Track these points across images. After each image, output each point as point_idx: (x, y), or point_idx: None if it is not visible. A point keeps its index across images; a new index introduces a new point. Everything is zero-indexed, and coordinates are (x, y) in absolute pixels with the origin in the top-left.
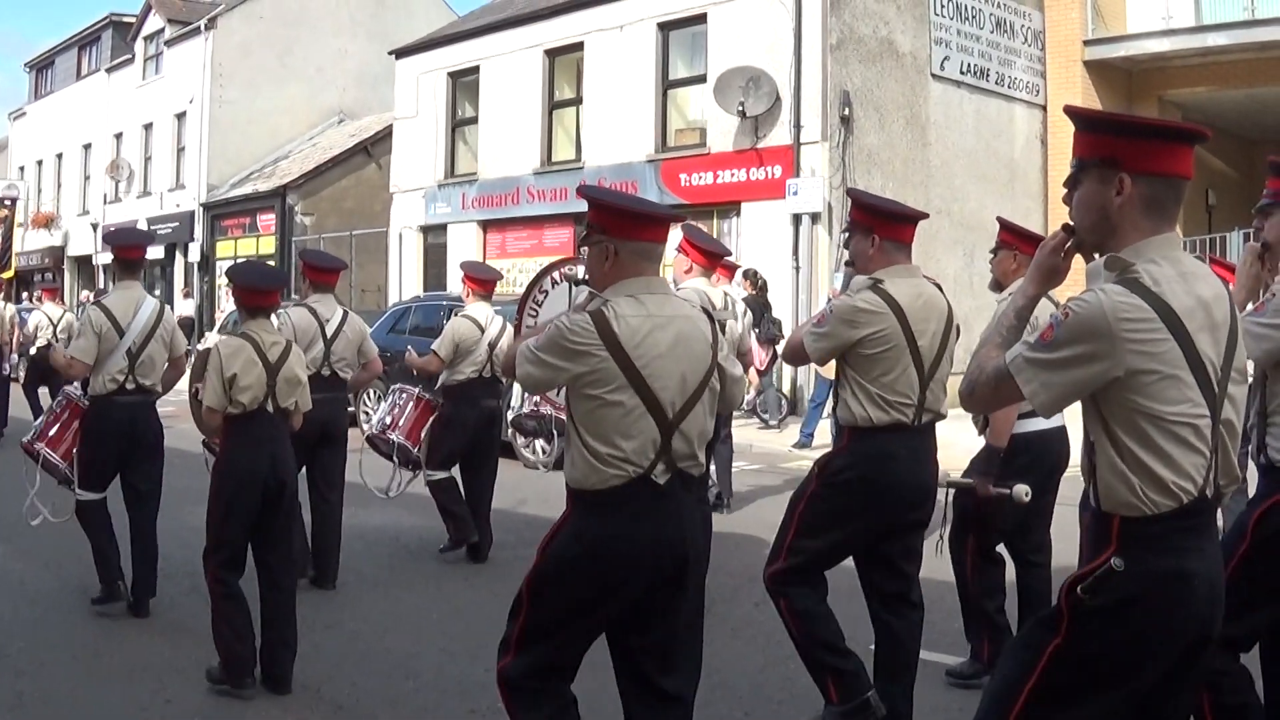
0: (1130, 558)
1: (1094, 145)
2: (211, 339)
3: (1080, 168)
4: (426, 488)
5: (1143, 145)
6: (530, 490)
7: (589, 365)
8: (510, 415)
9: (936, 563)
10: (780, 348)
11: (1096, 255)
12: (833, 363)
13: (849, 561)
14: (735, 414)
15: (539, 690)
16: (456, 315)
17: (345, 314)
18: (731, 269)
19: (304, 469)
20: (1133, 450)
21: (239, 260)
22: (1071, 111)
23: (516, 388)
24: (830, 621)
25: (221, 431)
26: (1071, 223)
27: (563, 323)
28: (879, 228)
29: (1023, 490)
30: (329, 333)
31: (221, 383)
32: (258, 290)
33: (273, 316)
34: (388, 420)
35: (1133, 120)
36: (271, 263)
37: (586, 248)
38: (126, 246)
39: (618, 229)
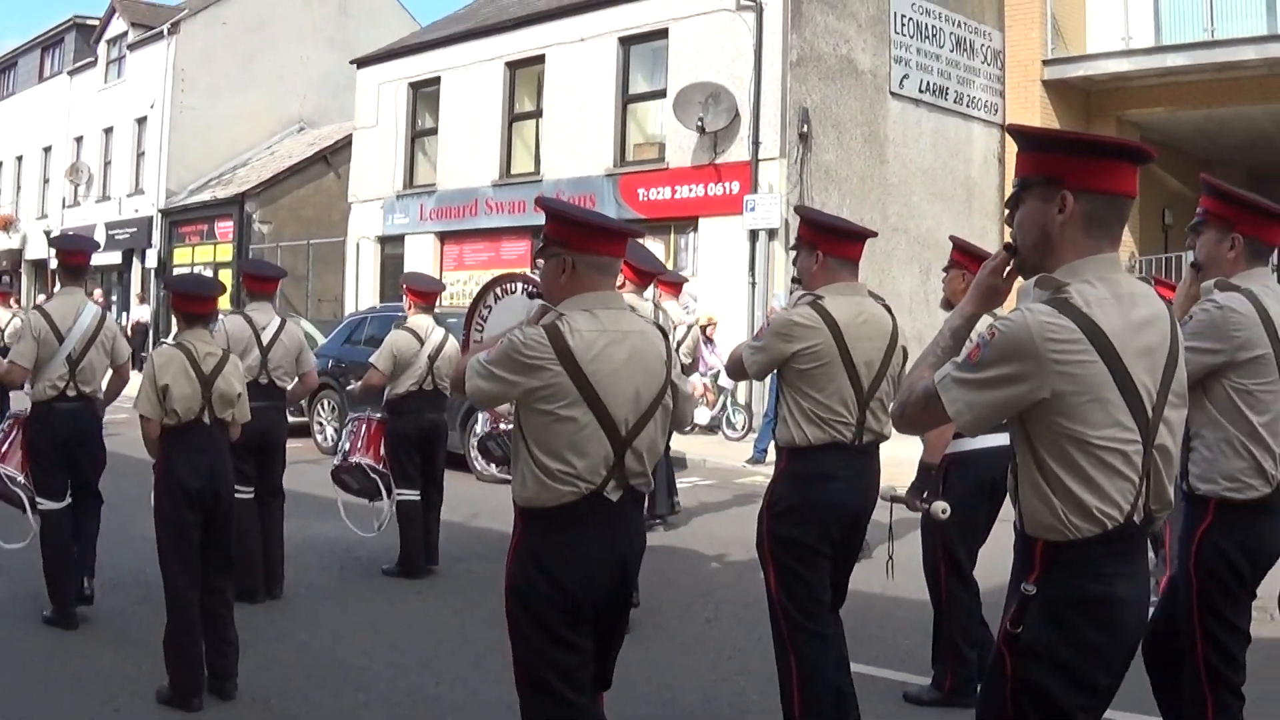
0: (1052, 582)
1: (1036, 163)
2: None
3: (1023, 186)
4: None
5: (1085, 163)
6: (483, 504)
7: (542, 380)
8: (473, 439)
9: (892, 581)
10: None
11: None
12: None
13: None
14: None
15: None
16: (395, 327)
17: (283, 322)
18: (677, 285)
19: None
20: (1057, 474)
21: (194, 268)
22: (1014, 130)
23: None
24: (830, 695)
25: (160, 442)
26: (1013, 242)
27: (516, 336)
28: (823, 244)
29: (940, 507)
30: (265, 341)
31: (155, 392)
32: (194, 298)
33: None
34: (346, 447)
35: (1075, 137)
36: (226, 271)
37: (541, 260)
38: (70, 252)
39: (575, 242)
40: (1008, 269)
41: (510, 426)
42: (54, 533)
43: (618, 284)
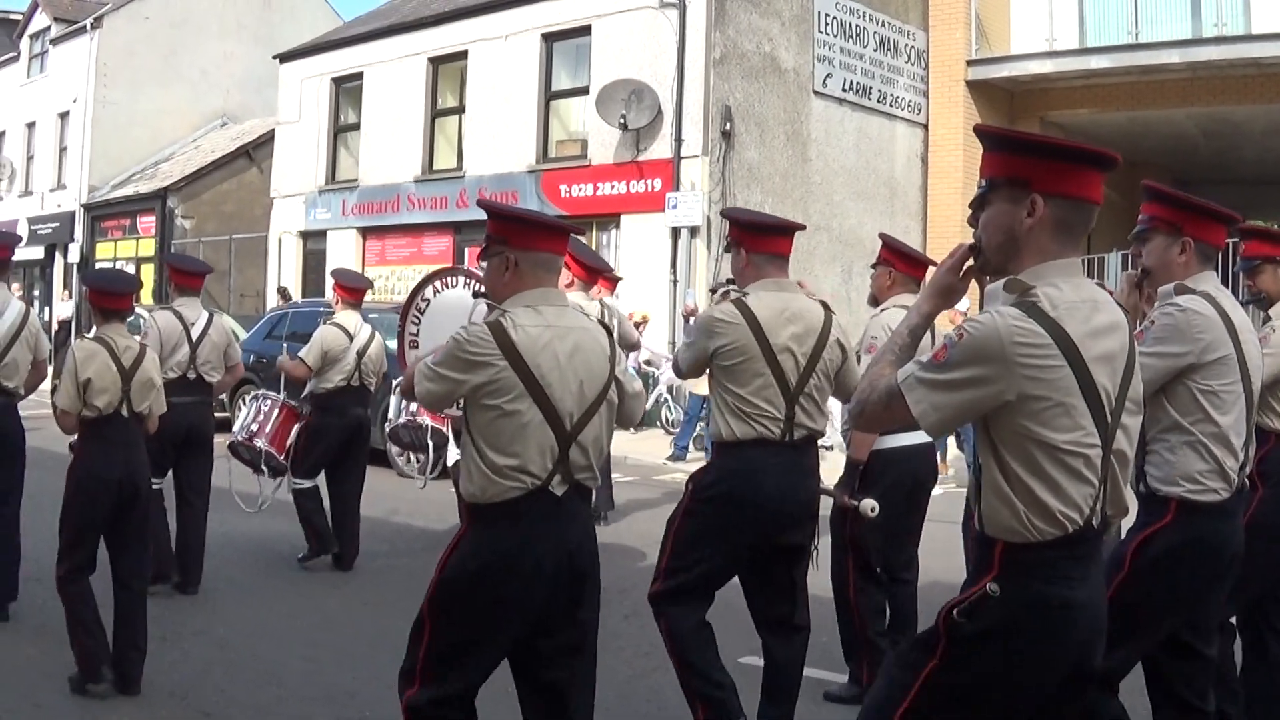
0: (1010, 583)
1: (1005, 165)
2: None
3: (990, 187)
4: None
5: (1056, 167)
6: (403, 500)
7: (487, 375)
8: (387, 427)
9: (814, 578)
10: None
11: (990, 278)
12: (705, 378)
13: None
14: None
15: (445, 718)
16: (325, 323)
17: (211, 317)
18: (613, 282)
19: (169, 473)
20: (1020, 476)
21: (116, 263)
22: (982, 131)
23: (393, 400)
24: (704, 646)
25: (78, 435)
26: (976, 242)
27: (460, 335)
28: (747, 242)
29: (869, 505)
30: (194, 336)
31: (75, 386)
32: (110, 293)
33: (141, 318)
34: (253, 427)
35: (1047, 141)
36: (149, 265)
37: (486, 260)
38: None
39: (517, 240)
40: (965, 267)
41: (428, 422)
42: None
43: (565, 282)
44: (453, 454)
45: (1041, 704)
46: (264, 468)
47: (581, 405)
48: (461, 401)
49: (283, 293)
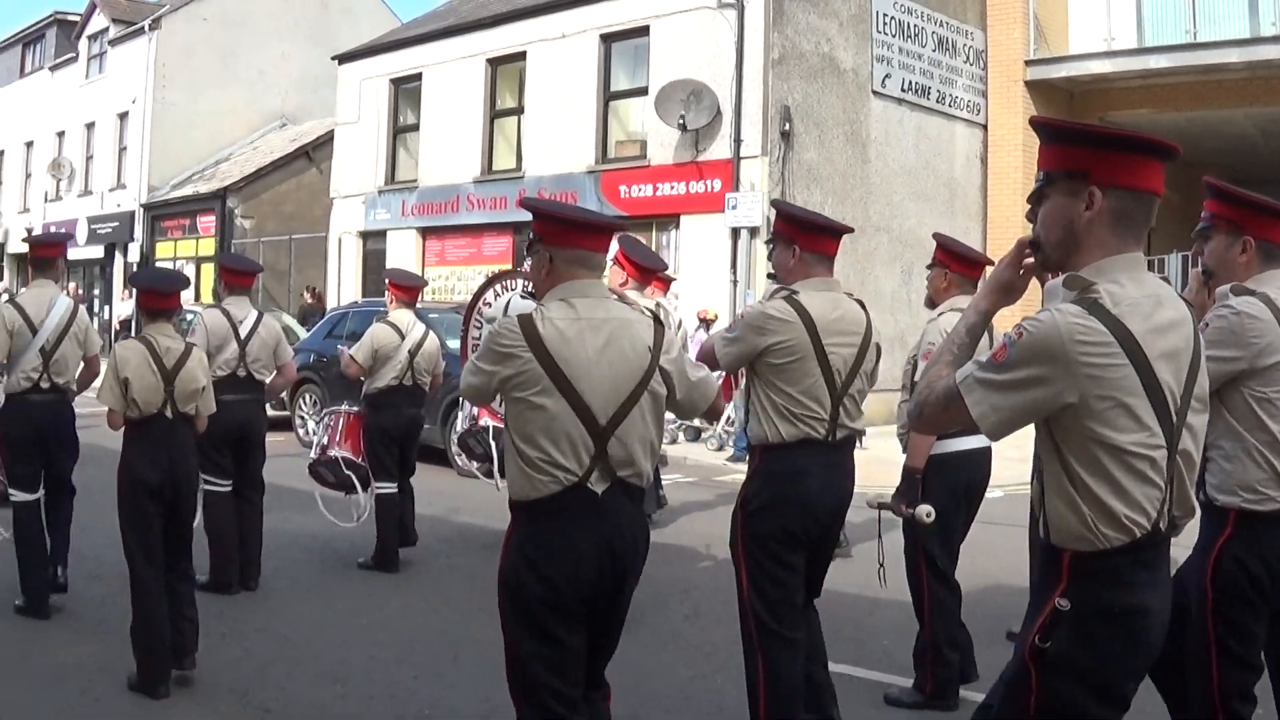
0: (1080, 594)
1: (1062, 157)
2: None
3: (1047, 181)
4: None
5: (1114, 158)
6: (464, 499)
7: (515, 367)
8: (454, 436)
9: (865, 579)
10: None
11: (1050, 274)
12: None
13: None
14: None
15: None
16: (377, 321)
17: (260, 316)
18: (667, 282)
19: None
20: (1085, 481)
21: (176, 262)
22: (1038, 123)
23: (460, 410)
24: (796, 701)
25: (124, 435)
26: (1035, 237)
27: (494, 329)
28: (800, 239)
29: (924, 511)
30: (243, 334)
31: (117, 384)
32: (156, 293)
33: (189, 317)
34: (324, 441)
35: (1104, 131)
36: (209, 265)
37: (530, 257)
38: (40, 245)
39: (553, 237)
40: (1024, 263)
41: (489, 422)
42: (25, 524)
43: (619, 281)
44: None
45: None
46: (349, 479)
47: (616, 398)
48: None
49: (312, 291)
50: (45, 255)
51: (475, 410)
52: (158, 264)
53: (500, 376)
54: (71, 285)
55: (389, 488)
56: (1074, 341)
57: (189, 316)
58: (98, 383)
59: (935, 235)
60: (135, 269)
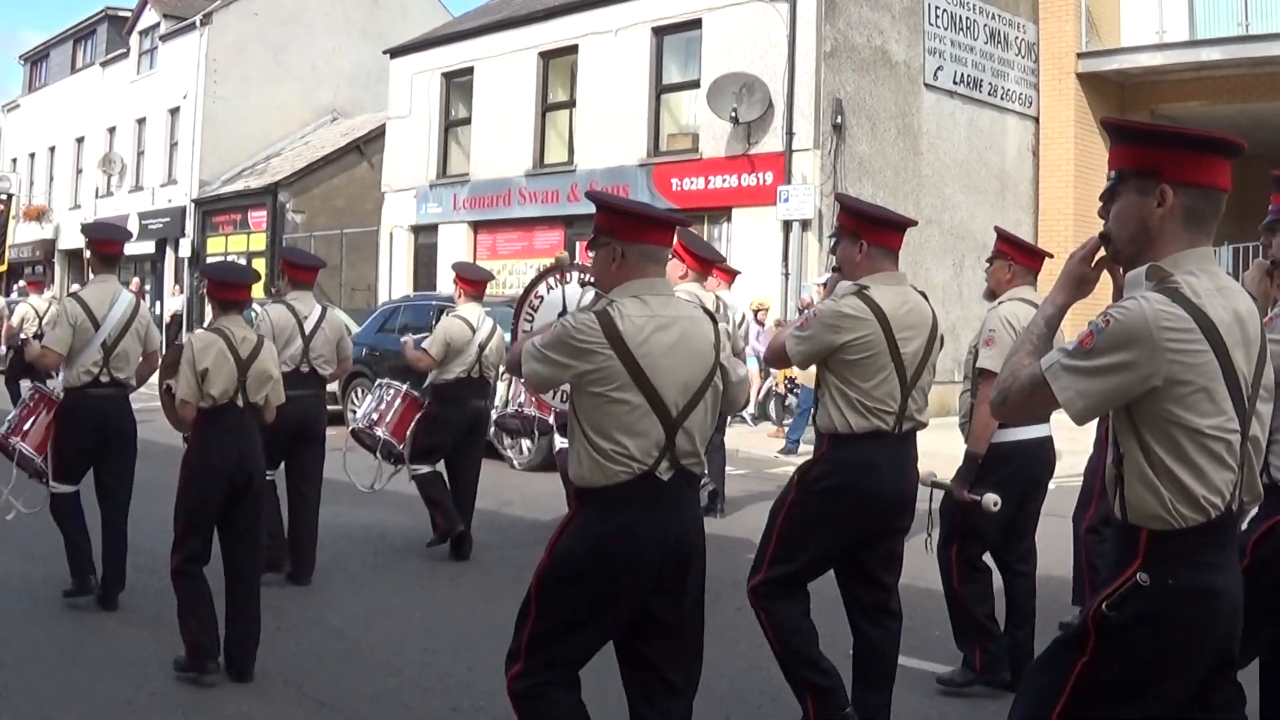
0: (1157, 572)
1: (1133, 156)
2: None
3: (1119, 179)
4: (412, 483)
5: (1184, 156)
6: (516, 492)
7: (594, 363)
8: (495, 415)
9: (918, 569)
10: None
11: (1123, 270)
12: (813, 369)
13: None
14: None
15: (548, 696)
16: (448, 315)
17: (324, 311)
18: (731, 274)
19: (282, 465)
20: (1165, 462)
21: (228, 257)
22: (1109, 123)
23: (501, 388)
24: (811, 636)
25: (193, 424)
26: (1106, 232)
27: (569, 321)
28: (867, 234)
29: (991, 499)
30: (307, 330)
31: (195, 375)
32: (228, 284)
33: (254, 311)
34: (374, 416)
35: (1174, 131)
36: (260, 260)
37: (594, 250)
38: (103, 240)
39: (624, 232)
40: (1097, 258)
41: (530, 410)
42: (67, 513)
43: (679, 273)
44: (558, 442)
45: (1191, 694)
46: (379, 456)
47: (687, 393)
48: (566, 389)
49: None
50: (106, 251)
51: (523, 398)
52: (209, 259)
53: (576, 372)
54: (135, 281)
55: (425, 469)
56: (1160, 327)
57: (249, 313)
58: (154, 378)
59: (997, 229)
60: (186, 264)
